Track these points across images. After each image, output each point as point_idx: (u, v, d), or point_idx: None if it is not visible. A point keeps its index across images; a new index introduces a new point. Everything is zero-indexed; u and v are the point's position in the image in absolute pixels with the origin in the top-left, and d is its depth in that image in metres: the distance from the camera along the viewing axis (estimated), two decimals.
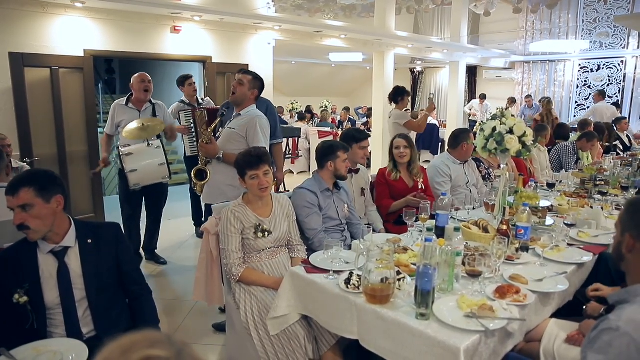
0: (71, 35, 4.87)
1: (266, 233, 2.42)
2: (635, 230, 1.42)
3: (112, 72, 13.98)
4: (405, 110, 5.76)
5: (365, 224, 3.01)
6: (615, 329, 1.23)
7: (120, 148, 3.73)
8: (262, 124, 3.16)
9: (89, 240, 1.90)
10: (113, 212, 5.08)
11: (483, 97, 11.64)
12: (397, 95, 5.42)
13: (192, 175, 3.23)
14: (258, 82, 3.24)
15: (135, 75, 4.01)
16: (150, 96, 4.06)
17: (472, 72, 12.76)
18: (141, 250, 4.33)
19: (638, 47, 10.13)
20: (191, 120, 4.73)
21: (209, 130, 3.12)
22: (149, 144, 3.76)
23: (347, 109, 12.32)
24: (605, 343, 1.24)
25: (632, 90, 10.31)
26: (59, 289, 1.81)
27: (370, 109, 11.01)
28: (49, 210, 1.77)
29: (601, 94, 8.85)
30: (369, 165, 8.39)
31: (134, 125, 3.73)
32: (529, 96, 10.67)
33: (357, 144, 3.25)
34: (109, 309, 1.93)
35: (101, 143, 4.29)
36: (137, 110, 4.00)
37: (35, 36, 4.66)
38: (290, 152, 9.22)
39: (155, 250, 4.38)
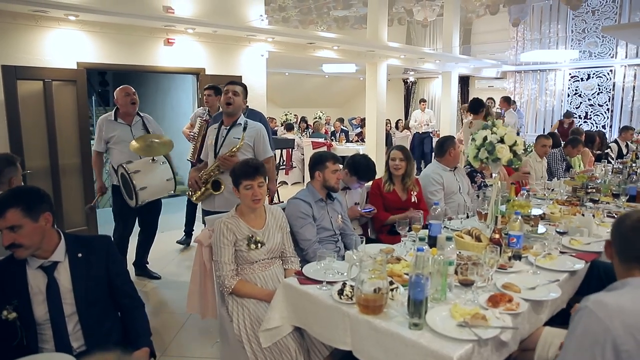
0: (64, 48, 4.88)
1: (259, 244, 2.42)
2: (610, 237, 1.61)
3: (105, 85, 13.96)
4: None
5: (359, 234, 3.02)
6: (582, 308, 1.36)
7: (124, 165, 3.60)
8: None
9: (79, 255, 1.87)
10: (106, 225, 5.05)
11: (423, 101, 10.97)
12: (479, 107, 5.95)
13: (209, 186, 3.28)
14: (246, 91, 3.48)
15: (119, 89, 3.90)
16: (137, 108, 3.96)
17: (464, 82, 12.88)
18: (131, 265, 4.22)
19: (626, 57, 10.29)
20: (198, 128, 4.75)
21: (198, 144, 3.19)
22: (154, 159, 3.69)
23: (341, 120, 12.36)
24: (575, 322, 1.37)
25: (622, 98, 10.45)
26: (47, 305, 1.78)
27: (363, 120, 11.05)
28: (38, 229, 1.74)
29: (507, 101, 8.60)
30: None
31: (141, 143, 3.66)
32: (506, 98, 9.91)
33: (357, 179, 3.28)
34: (100, 323, 1.91)
35: (93, 165, 4.15)
36: (128, 125, 3.89)
37: (28, 49, 4.66)
38: (284, 163, 9.22)
39: (147, 265, 4.31)
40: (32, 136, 4.75)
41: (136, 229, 4.19)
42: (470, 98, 12.64)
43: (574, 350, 1.35)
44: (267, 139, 3.40)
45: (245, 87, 3.45)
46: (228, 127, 3.31)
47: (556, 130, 8.62)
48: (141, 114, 4.03)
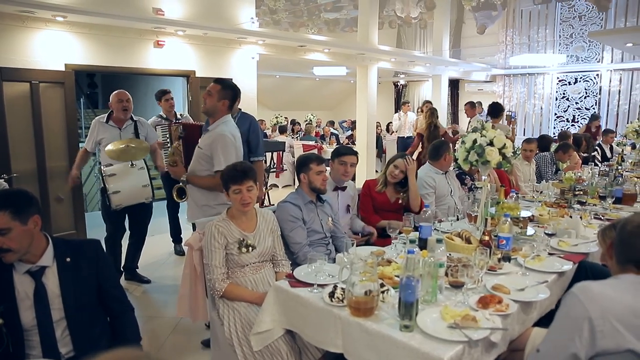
0: (52, 49, 4.83)
1: (250, 248, 2.41)
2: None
3: (94, 87, 13.87)
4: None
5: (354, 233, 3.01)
6: (569, 293, 1.49)
7: (102, 167, 3.64)
8: (224, 143, 2.90)
9: (68, 259, 1.84)
10: (95, 228, 5.00)
11: (406, 103, 10.06)
12: (499, 111, 6.48)
13: (174, 194, 3.21)
14: (229, 91, 3.04)
15: (114, 93, 3.93)
16: (130, 114, 3.97)
17: (454, 85, 12.98)
18: (121, 269, 4.19)
19: (612, 61, 10.45)
20: (167, 135, 4.73)
21: (175, 149, 3.10)
22: (132, 164, 3.69)
23: (331, 123, 12.38)
24: (561, 305, 1.51)
25: (608, 102, 10.60)
26: (35, 310, 1.75)
27: (354, 122, 11.07)
28: (27, 232, 1.71)
29: (472, 106, 8.05)
30: (353, 179, 8.37)
31: (118, 146, 3.64)
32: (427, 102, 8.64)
33: (341, 158, 3.20)
34: (89, 328, 1.88)
35: (77, 157, 4.07)
36: (118, 129, 3.90)
37: (14, 50, 4.60)
38: (275, 166, 9.21)
39: (137, 270, 4.27)
40: (19, 139, 4.69)
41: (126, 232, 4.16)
42: (464, 100, 12.79)
43: (556, 330, 1.50)
44: (221, 151, 2.88)
45: (225, 87, 3.04)
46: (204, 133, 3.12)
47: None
48: (135, 117, 4.02)
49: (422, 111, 8.02)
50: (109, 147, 3.63)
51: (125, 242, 4.15)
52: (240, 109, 3.87)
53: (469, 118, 8.09)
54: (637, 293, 1.47)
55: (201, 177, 2.98)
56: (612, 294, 1.45)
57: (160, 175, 5.13)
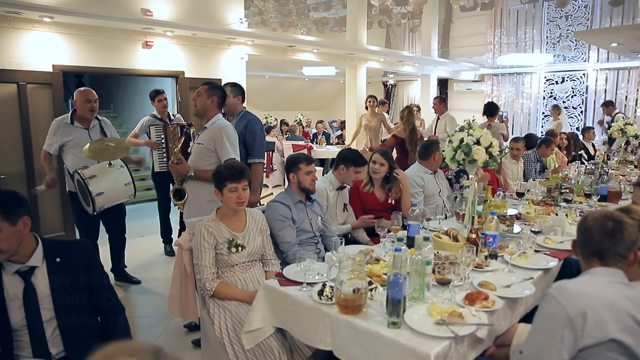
0: (39, 50, 4.79)
1: (240, 248, 2.42)
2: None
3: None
4: None
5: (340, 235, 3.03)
6: (547, 294, 1.53)
7: (79, 170, 3.47)
8: (228, 134, 3.10)
9: (58, 259, 1.84)
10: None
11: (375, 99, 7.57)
12: (495, 110, 6.69)
13: (171, 196, 3.19)
14: (216, 90, 3.21)
15: (79, 91, 3.71)
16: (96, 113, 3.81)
17: (443, 84, 13.06)
18: (109, 271, 4.15)
19: (598, 61, 10.60)
20: (162, 136, 4.71)
21: (177, 149, 3.09)
22: (110, 164, 3.57)
23: (321, 122, 12.38)
24: (540, 306, 1.55)
25: (594, 101, 10.75)
26: (24, 310, 1.76)
27: (343, 122, 11.10)
28: (16, 233, 1.72)
29: (442, 101, 7.06)
30: None
31: (96, 145, 3.54)
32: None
33: (355, 167, 3.28)
34: (79, 328, 1.88)
35: (43, 162, 3.76)
36: (85, 129, 3.73)
37: (1, 51, 4.56)
38: (265, 166, 9.20)
39: (126, 269, 4.24)
40: (6, 140, 4.66)
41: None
42: (453, 100, 12.87)
43: (538, 331, 1.53)
44: (227, 140, 3.07)
45: (213, 86, 3.20)
46: (200, 132, 3.22)
47: None
48: (99, 117, 3.87)
49: (366, 108, 7.26)
50: (88, 146, 3.52)
51: (103, 245, 4.08)
52: (244, 108, 3.84)
53: (437, 114, 7.08)
54: (610, 286, 1.52)
55: (207, 171, 2.98)
56: (588, 289, 1.50)
57: (151, 176, 5.11)
